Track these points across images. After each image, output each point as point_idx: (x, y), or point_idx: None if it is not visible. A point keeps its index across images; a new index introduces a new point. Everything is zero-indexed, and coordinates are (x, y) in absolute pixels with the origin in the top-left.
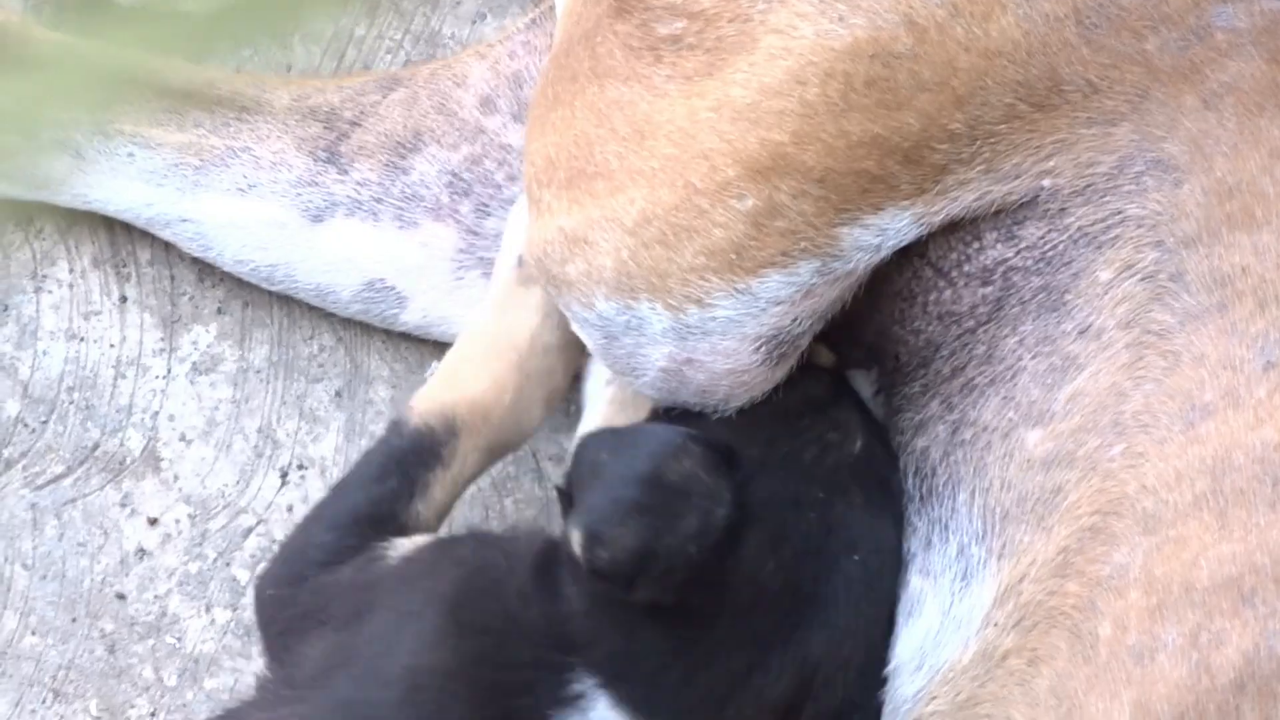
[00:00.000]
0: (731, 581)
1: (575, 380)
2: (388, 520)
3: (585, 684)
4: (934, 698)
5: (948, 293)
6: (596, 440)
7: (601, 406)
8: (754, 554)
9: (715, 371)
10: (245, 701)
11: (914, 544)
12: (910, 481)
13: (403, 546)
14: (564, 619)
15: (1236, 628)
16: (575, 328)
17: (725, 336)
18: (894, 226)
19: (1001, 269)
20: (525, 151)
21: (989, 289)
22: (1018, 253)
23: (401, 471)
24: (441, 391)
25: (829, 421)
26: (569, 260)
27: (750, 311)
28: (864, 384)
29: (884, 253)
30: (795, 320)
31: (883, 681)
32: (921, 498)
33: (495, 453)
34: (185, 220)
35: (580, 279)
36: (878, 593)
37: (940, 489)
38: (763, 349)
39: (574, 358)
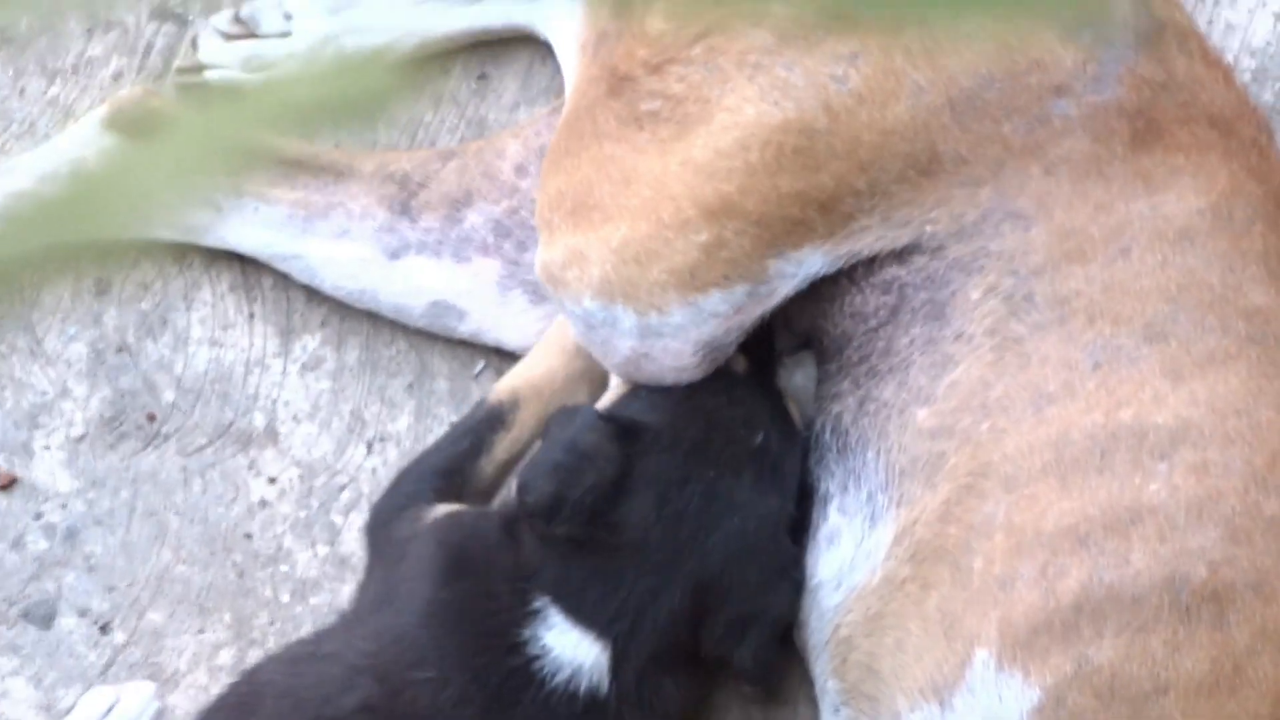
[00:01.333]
0: (627, 525)
1: None
2: (456, 473)
3: (541, 601)
4: (850, 610)
5: (858, 298)
6: (557, 415)
7: (613, 384)
8: (640, 507)
9: (663, 365)
10: (334, 623)
11: (833, 487)
12: (829, 437)
13: (438, 510)
14: (522, 555)
15: (1075, 563)
16: (565, 317)
17: (674, 339)
18: (809, 260)
19: (897, 283)
20: (541, 186)
21: (888, 297)
22: (909, 272)
23: (475, 434)
24: (513, 378)
25: (744, 417)
26: (567, 268)
27: (695, 321)
28: (809, 362)
29: (799, 281)
30: (727, 331)
31: (784, 600)
32: (838, 450)
33: (544, 422)
34: (297, 257)
35: (574, 282)
36: (754, 544)
37: (853, 446)
38: (700, 351)
39: None
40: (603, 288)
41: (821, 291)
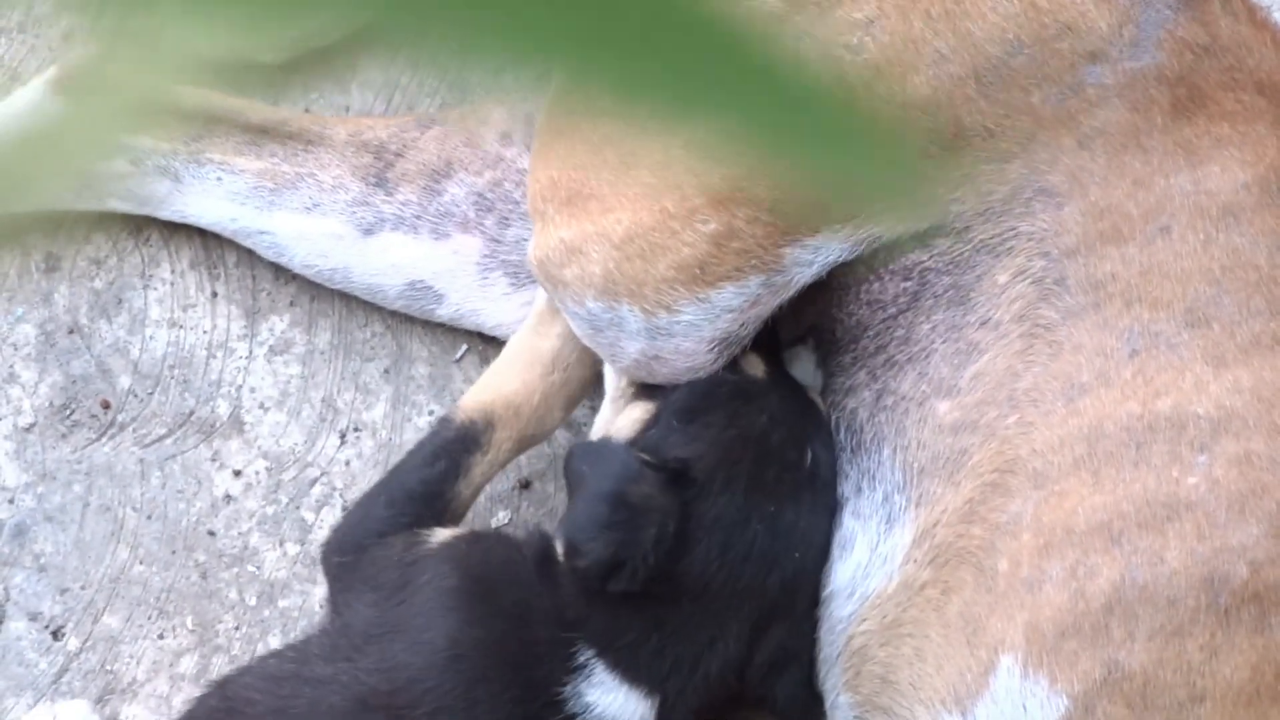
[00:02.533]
0: (688, 577)
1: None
2: (435, 498)
3: (586, 655)
4: (864, 620)
5: (876, 285)
6: (579, 454)
7: (610, 395)
8: (702, 557)
9: (676, 366)
10: (311, 639)
11: (847, 489)
12: (843, 435)
13: (441, 535)
14: (563, 603)
15: (1106, 562)
16: (568, 319)
17: (686, 338)
18: (827, 247)
19: (918, 269)
20: (531, 173)
21: (909, 283)
22: (931, 257)
23: (449, 456)
24: (482, 394)
25: (791, 436)
26: (566, 265)
27: (708, 317)
28: (807, 357)
29: (817, 269)
30: (742, 325)
31: (814, 626)
32: (852, 450)
33: (523, 444)
34: (263, 232)
35: (574, 281)
36: (808, 576)
37: (868, 444)
38: (715, 349)
39: (588, 373)
40: (606, 287)
41: (835, 278)
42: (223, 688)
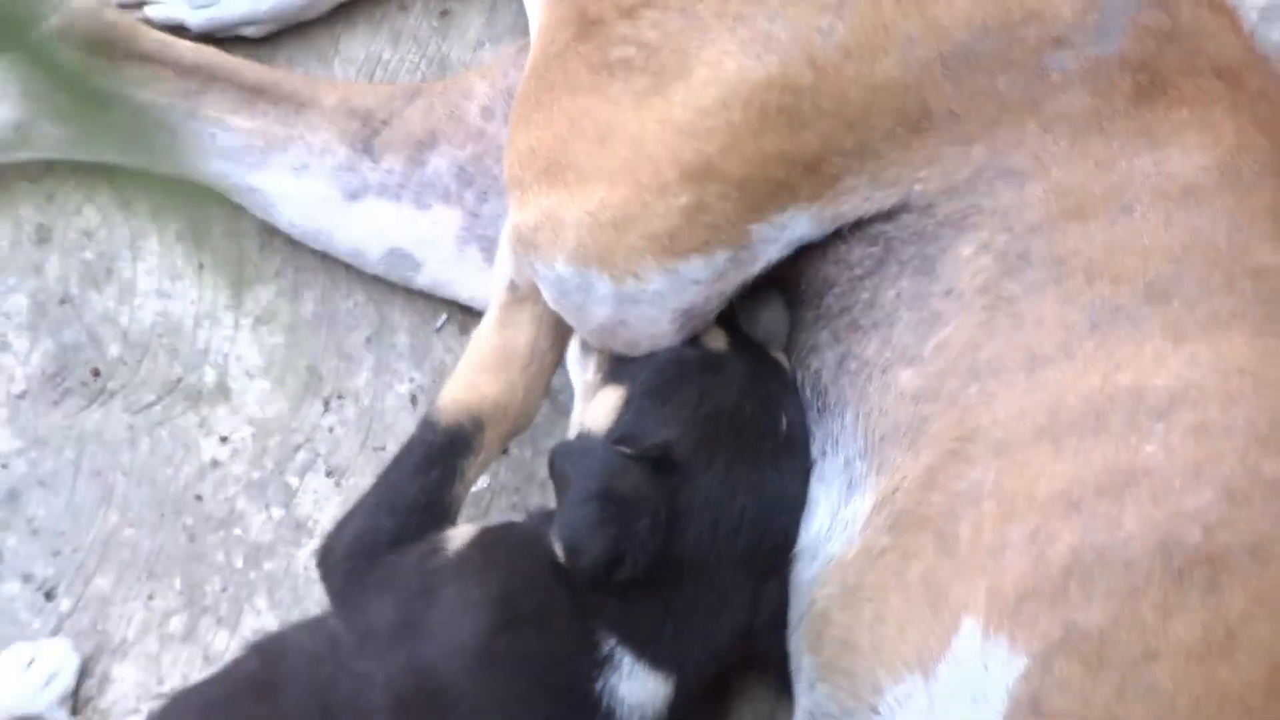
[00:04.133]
0: (686, 557)
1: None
2: (435, 504)
3: (610, 644)
4: (826, 584)
5: (842, 246)
6: (561, 456)
7: (578, 396)
8: (696, 536)
9: (639, 333)
10: (335, 628)
11: (813, 452)
12: (808, 394)
13: (455, 540)
14: (580, 599)
15: (1066, 528)
16: (537, 281)
17: (652, 307)
18: (794, 223)
19: (884, 236)
20: (510, 143)
21: (874, 248)
22: (896, 228)
23: (443, 462)
24: (464, 395)
25: (763, 405)
26: (540, 230)
27: (675, 288)
28: (776, 301)
29: (783, 246)
30: (707, 299)
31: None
32: (818, 410)
33: (511, 436)
34: (253, 190)
35: (546, 245)
36: (793, 533)
37: (831, 406)
38: (679, 320)
39: (559, 354)
40: (578, 252)
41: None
42: (264, 650)
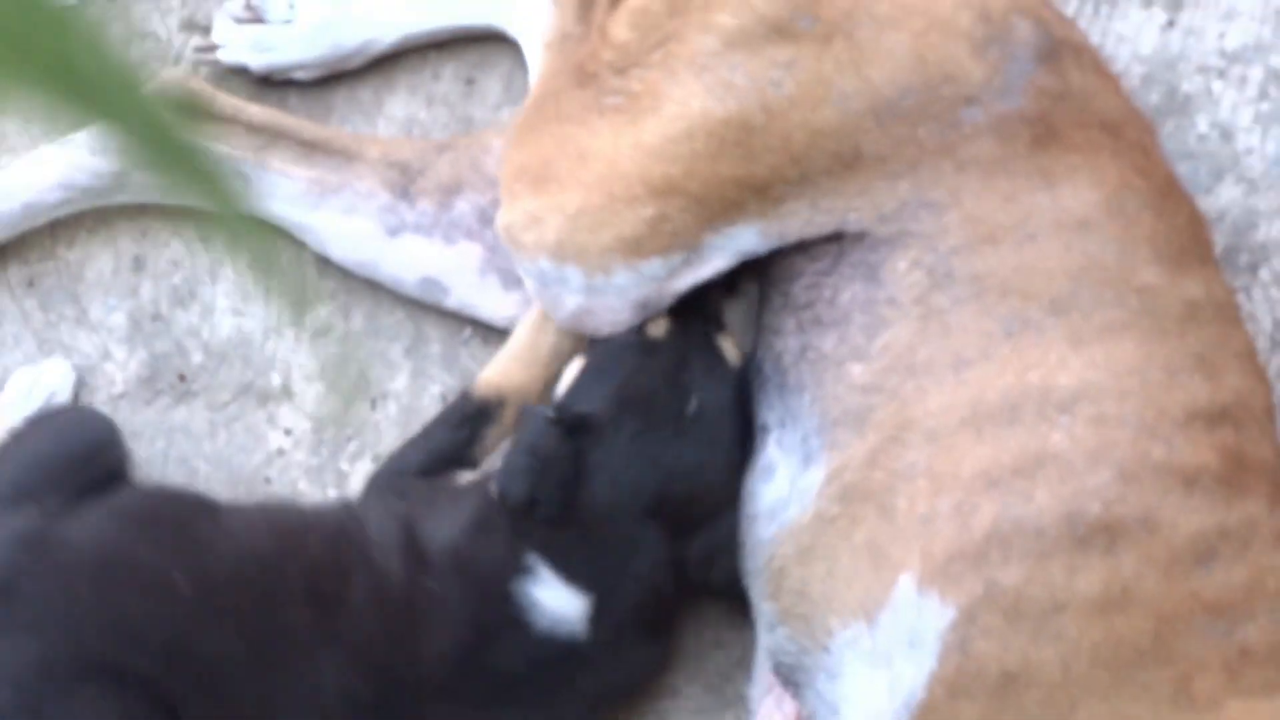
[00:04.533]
0: (594, 503)
1: None
2: (458, 456)
3: (532, 559)
4: (783, 543)
5: (808, 246)
6: (520, 418)
7: (565, 377)
8: (601, 488)
9: (601, 319)
10: (335, 514)
11: (772, 421)
12: (770, 370)
13: (461, 478)
14: (513, 522)
15: (986, 501)
16: (520, 272)
17: (616, 298)
18: (742, 235)
19: (838, 241)
20: (505, 159)
21: (833, 245)
22: (845, 243)
23: (471, 425)
24: (497, 377)
25: (675, 389)
26: (526, 230)
27: (635, 283)
28: (749, 297)
29: (730, 255)
30: (660, 294)
31: (736, 528)
32: (780, 385)
33: None
34: (309, 229)
35: (531, 244)
36: (710, 491)
37: (792, 386)
38: (635, 309)
39: (570, 356)
40: (557, 249)
41: None
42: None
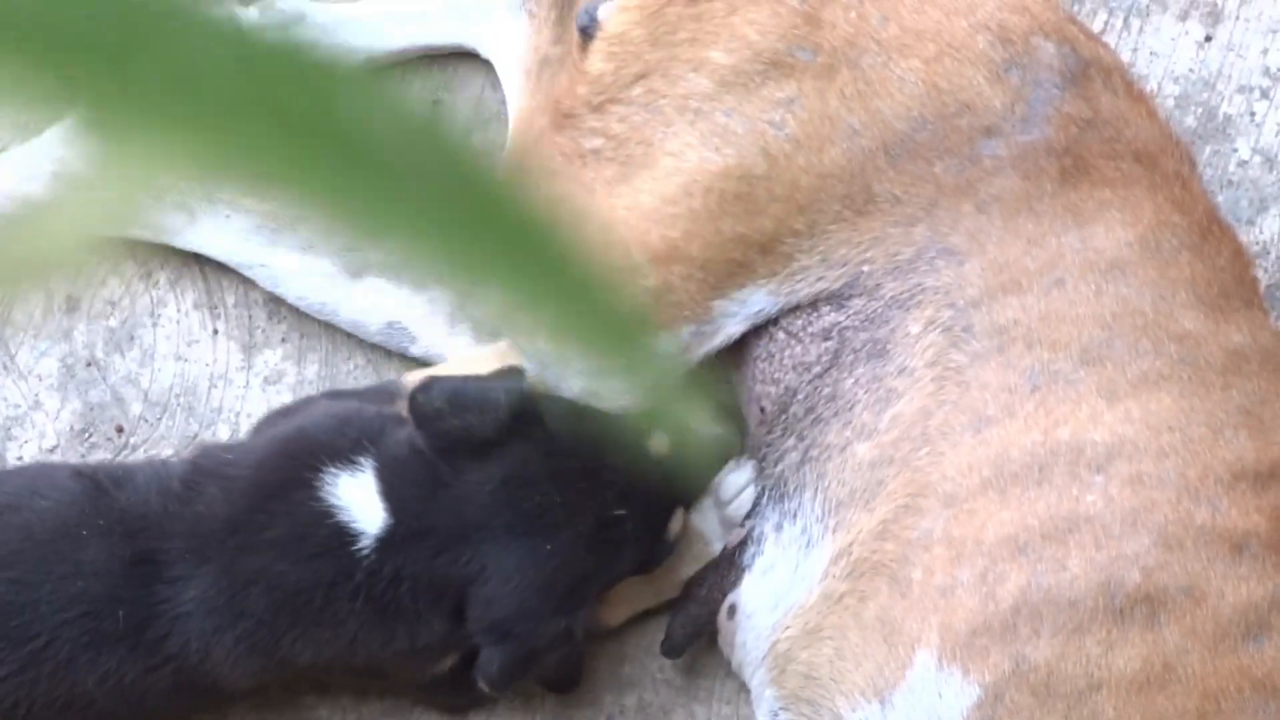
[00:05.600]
0: (463, 478)
1: None
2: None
3: (365, 462)
4: (788, 627)
5: (798, 349)
6: (506, 370)
7: None
8: (482, 473)
9: (610, 403)
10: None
11: (768, 529)
12: (767, 493)
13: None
14: (378, 431)
15: (1014, 569)
16: (520, 356)
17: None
18: (753, 299)
19: (837, 328)
20: None
21: (829, 343)
22: (848, 316)
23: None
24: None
25: (623, 491)
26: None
27: None
28: (750, 469)
29: (743, 320)
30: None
31: (549, 642)
32: (778, 497)
33: None
34: (263, 266)
35: (526, 324)
36: (552, 577)
37: (791, 493)
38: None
39: None
40: (554, 332)
41: (755, 353)
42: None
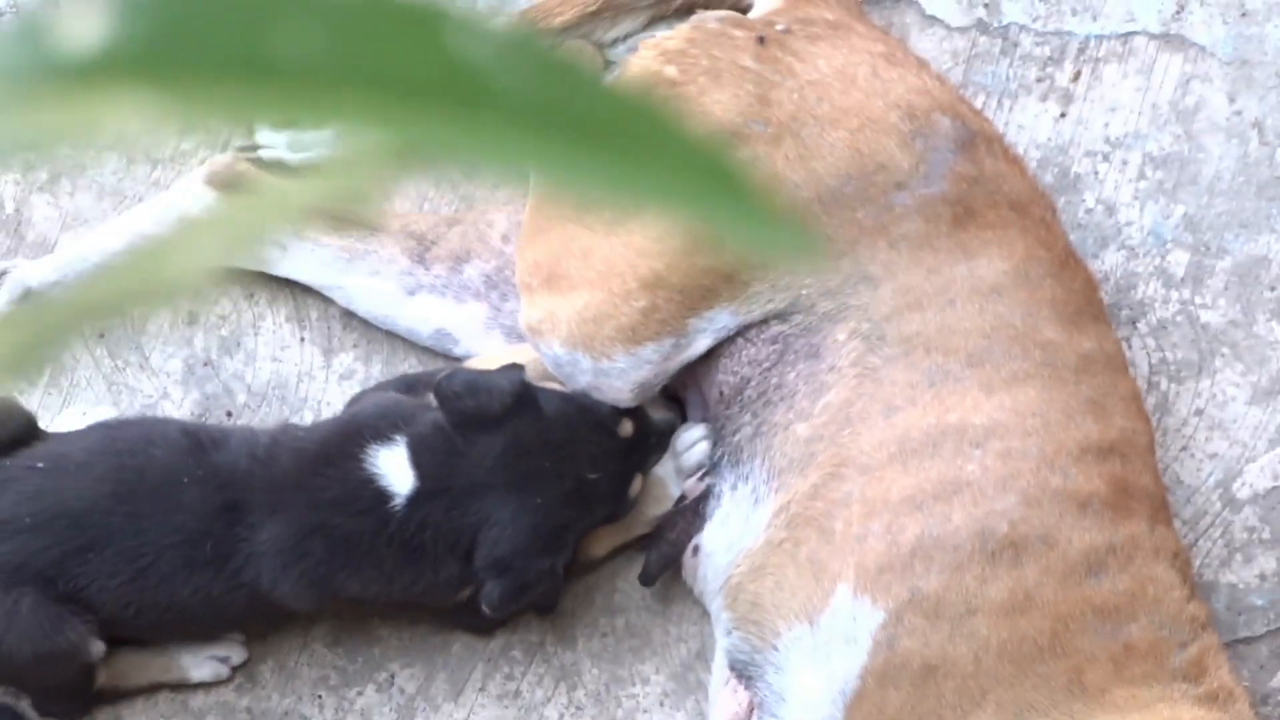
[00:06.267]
0: (474, 449)
1: None
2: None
3: (400, 439)
4: (739, 565)
5: (752, 349)
6: (508, 366)
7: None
8: (487, 444)
9: (607, 395)
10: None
11: (725, 487)
12: (727, 459)
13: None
14: (411, 415)
15: (911, 522)
16: (541, 357)
17: (618, 379)
18: (719, 318)
19: (782, 335)
20: (519, 255)
21: (776, 346)
22: (790, 327)
23: (420, 388)
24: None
25: (597, 458)
26: (543, 323)
27: (634, 366)
28: (701, 429)
29: (710, 335)
30: (656, 375)
31: (539, 575)
32: (734, 461)
33: None
34: (340, 288)
35: (548, 334)
36: (542, 523)
37: (744, 460)
38: (635, 389)
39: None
40: (568, 340)
41: (720, 352)
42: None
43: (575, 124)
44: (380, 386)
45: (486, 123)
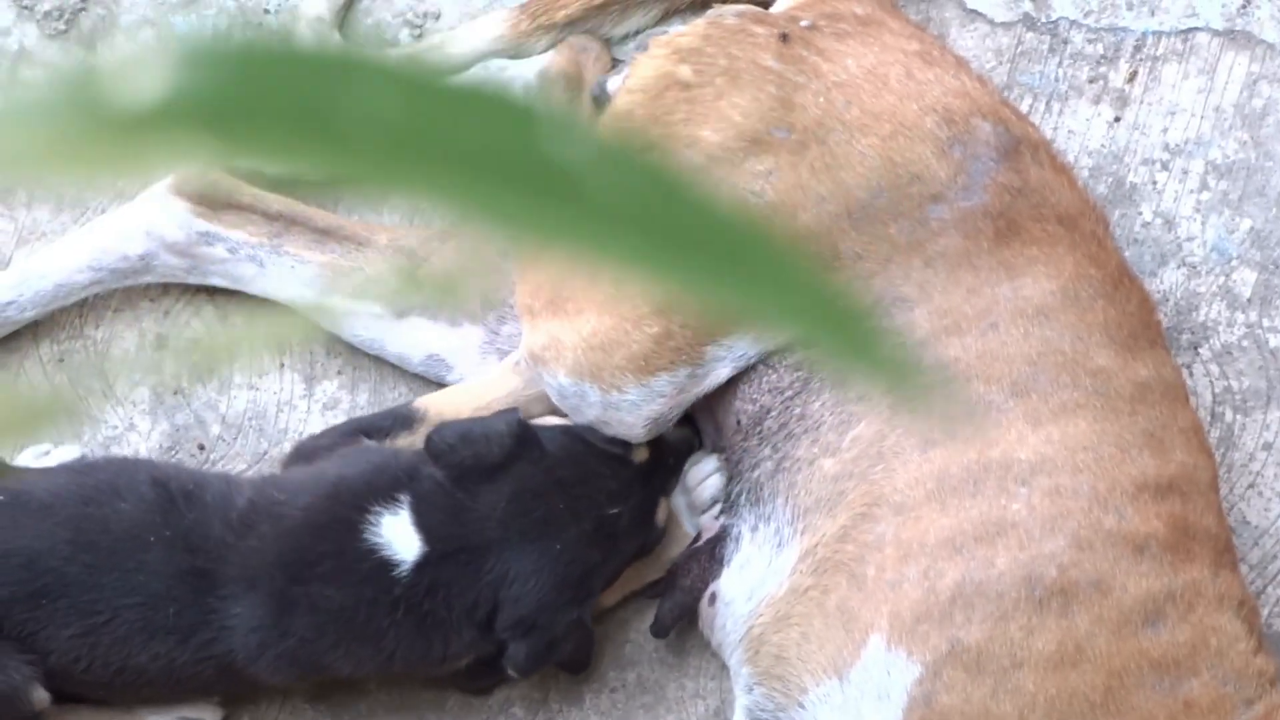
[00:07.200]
0: (480, 500)
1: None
2: (367, 434)
3: (404, 500)
4: (761, 615)
5: (774, 375)
6: (505, 411)
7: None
8: (494, 493)
9: (617, 430)
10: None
11: (745, 529)
12: (745, 497)
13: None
14: (409, 472)
15: (950, 567)
16: (545, 387)
17: (629, 414)
18: (738, 345)
19: (807, 361)
20: (520, 280)
21: (800, 372)
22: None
23: (393, 420)
24: (434, 400)
25: (615, 491)
26: (547, 350)
27: (646, 399)
28: (714, 461)
29: (730, 364)
30: (670, 408)
31: (566, 628)
32: (753, 501)
33: None
34: (324, 310)
35: (552, 361)
36: (565, 573)
37: (765, 498)
38: (647, 423)
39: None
40: (575, 369)
41: (738, 377)
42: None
43: (675, 235)
44: (323, 435)
45: (577, 219)
